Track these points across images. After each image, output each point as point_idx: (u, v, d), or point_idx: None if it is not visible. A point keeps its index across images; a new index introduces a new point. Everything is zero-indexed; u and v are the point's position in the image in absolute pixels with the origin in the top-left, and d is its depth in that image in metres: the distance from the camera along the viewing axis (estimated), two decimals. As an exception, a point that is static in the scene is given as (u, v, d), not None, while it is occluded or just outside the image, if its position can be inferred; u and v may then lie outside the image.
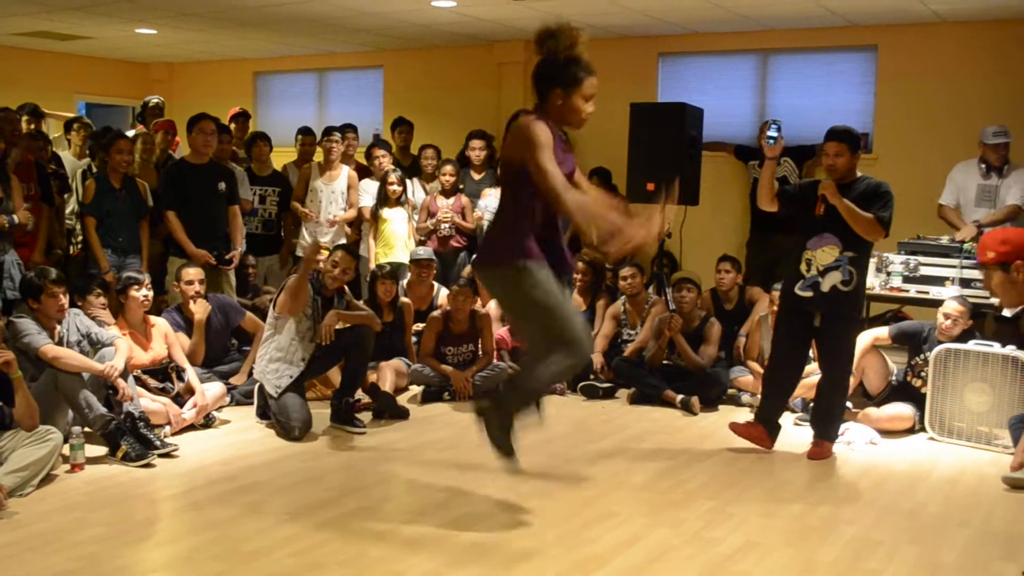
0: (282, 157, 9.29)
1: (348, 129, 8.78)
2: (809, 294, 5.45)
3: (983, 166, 7.14)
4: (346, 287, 6.33)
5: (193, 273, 6.48)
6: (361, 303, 6.55)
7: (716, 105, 8.78)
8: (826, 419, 5.61)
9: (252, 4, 8.43)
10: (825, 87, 8.98)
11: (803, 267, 5.47)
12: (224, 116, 8.52)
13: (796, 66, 9.15)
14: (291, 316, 5.90)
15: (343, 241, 7.97)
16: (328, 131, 8.17)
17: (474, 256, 4.18)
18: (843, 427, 5.80)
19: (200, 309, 6.41)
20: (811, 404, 6.22)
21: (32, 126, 8.25)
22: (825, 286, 5.39)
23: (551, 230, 4.13)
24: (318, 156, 8.56)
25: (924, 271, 6.61)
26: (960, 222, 7.12)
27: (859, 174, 5.49)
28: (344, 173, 8.16)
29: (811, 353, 5.98)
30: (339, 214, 8.12)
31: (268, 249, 8.37)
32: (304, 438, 5.76)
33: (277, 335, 5.94)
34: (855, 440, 5.79)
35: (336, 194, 8.04)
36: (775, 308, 6.43)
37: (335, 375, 6.39)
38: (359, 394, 6.43)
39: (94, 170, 7.81)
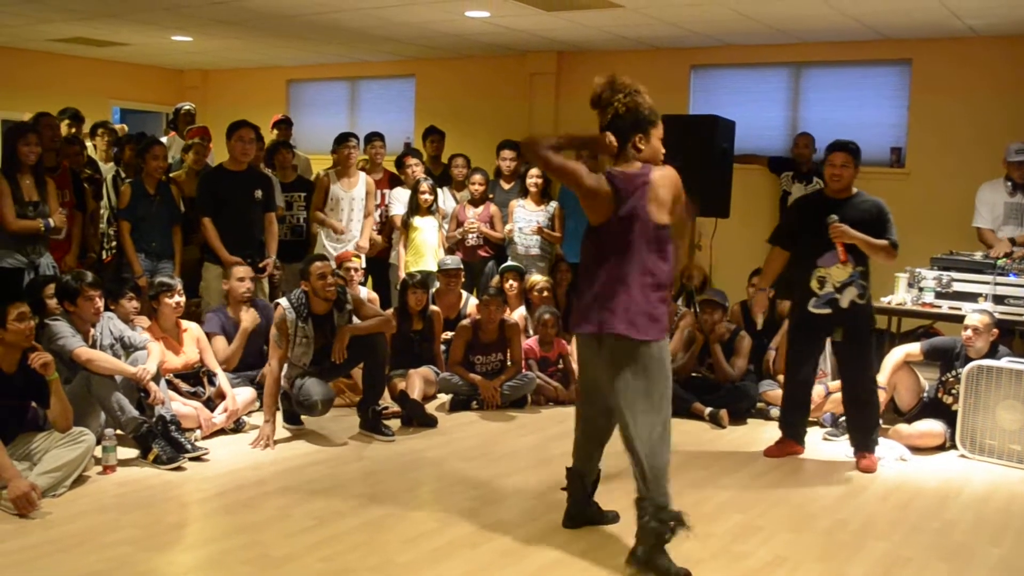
0: (314, 165, 9.35)
1: (376, 137, 8.78)
2: (827, 311, 5.47)
3: (1009, 184, 7.07)
4: (347, 290, 6.21)
5: (244, 271, 6.55)
6: (368, 300, 6.55)
7: (748, 118, 8.75)
8: (867, 430, 5.64)
9: (287, 13, 8.49)
10: (858, 101, 8.93)
11: (814, 285, 5.49)
12: (259, 123, 8.54)
13: (829, 79, 9.11)
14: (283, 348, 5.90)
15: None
16: (345, 137, 8.05)
17: (602, 326, 3.87)
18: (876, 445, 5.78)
19: (249, 319, 6.46)
20: (841, 418, 6.21)
21: (73, 130, 8.35)
22: (844, 302, 5.44)
23: None
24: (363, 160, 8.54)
25: (957, 287, 6.55)
26: (998, 242, 7.05)
27: (854, 189, 5.55)
28: (363, 179, 8.07)
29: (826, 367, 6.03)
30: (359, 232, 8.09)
31: (297, 255, 8.39)
32: (327, 411, 5.94)
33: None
34: (885, 456, 5.75)
35: (356, 200, 7.96)
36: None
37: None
38: (388, 402, 6.47)
39: (122, 175, 7.89)
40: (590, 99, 4.14)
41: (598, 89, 4.10)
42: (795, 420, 5.84)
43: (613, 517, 4.51)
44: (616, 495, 4.58)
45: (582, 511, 4.46)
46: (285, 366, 5.94)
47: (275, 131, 9.19)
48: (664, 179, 4.04)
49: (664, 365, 4.01)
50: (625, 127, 4.06)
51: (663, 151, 4.15)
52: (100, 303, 5.44)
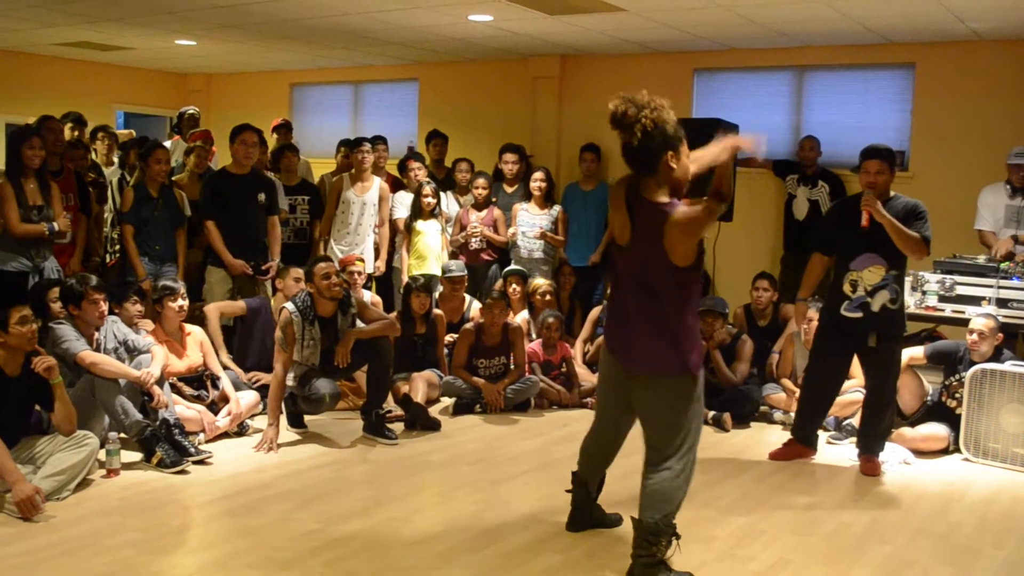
0: (317, 168, 9.37)
1: (379, 141, 8.81)
2: (859, 315, 5.44)
3: (1008, 187, 7.08)
4: (351, 293, 6.23)
5: (295, 272, 6.62)
6: (371, 303, 6.56)
7: (751, 121, 8.73)
8: (878, 434, 5.64)
9: (290, 17, 8.50)
10: (861, 104, 8.92)
11: (847, 288, 5.47)
12: (263, 126, 8.56)
13: (832, 83, 9.10)
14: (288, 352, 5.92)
15: (369, 253, 7.97)
16: (358, 141, 8.09)
17: (631, 361, 3.87)
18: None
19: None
20: (845, 422, 6.22)
21: (76, 133, 8.36)
22: (875, 306, 5.41)
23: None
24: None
25: (960, 290, 6.55)
26: (999, 242, 7.05)
27: (892, 193, 5.50)
28: (376, 185, 8.09)
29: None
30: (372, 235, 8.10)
31: (300, 258, 8.40)
32: (334, 406, 6.01)
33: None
34: (889, 460, 5.75)
35: (368, 205, 7.97)
36: (805, 328, 6.44)
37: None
38: (392, 406, 6.47)
39: (127, 178, 7.90)
40: (611, 119, 3.80)
41: (620, 107, 3.76)
42: (807, 424, 5.83)
43: (616, 520, 4.51)
44: (620, 498, 4.58)
45: (586, 515, 4.46)
46: (291, 368, 5.94)
47: (275, 135, 9.20)
48: (682, 218, 3.75)
49: (690, 401, 3.89)
50: (655, 146, 3.76)
51: (691, 168, 3.94)
52: (104, 307, 5.45)
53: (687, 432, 3.90)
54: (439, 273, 7.85)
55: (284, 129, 9.37)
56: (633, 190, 3.87)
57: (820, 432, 6.10)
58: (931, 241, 5.36)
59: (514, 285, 7.90)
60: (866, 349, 5.54)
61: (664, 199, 3.82)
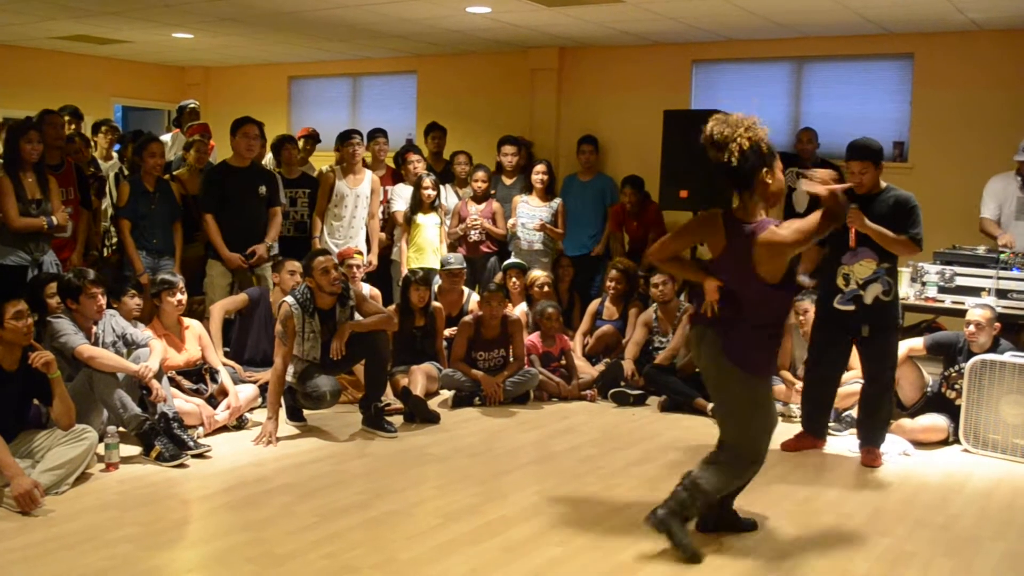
0: (315, 162, 9.34)
1: (378, 134, 8.77)
2: (851, 307, 5.47)
3: (1020, 179, 7.05)
4: (349, 286, 6.21)
5: (296, 266, 6.63)
6: (369, 297, 6.55)
7: (750, 112, 8.70)
8: (877, 425, 5.65)
9: (288, 9, 8.48)
10: (860, 95, 8.91)
11: (840, 282, 5.48)
12: (261, 119, 8.45)
13: (831, 74, 9.09)
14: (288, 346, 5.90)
15: (363, 246, 7.94)
16: (348, 134, 7.95)
17: (723, 346, 4.08)
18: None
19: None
20: (844, 413, 6.21)
21: (72, 127, 8.34)
22: (868, 298, 5.42)
23: None
24: (366, 157, 8.48)
25: (960, 281, 6.54)
26: (1000, 232, 7.03)
27: (883, 184, 5.52)
28: (368, 177, 8.01)
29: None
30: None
31: (300, 251, 8.37)
32: (335, 403, 6.01)
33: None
34: (889, 451, 5.75)
35: (361, 198, 7.90)
36: (801, 319, 6.46)
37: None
38: (391, 398, 6.47)
39: (125, 172, 7.88)
40: (706, 141, 3.99)
41: (714, 129, 3.98)
42: (814, 415, 5.87)
43: (750, 525, 4.44)
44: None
45: (718, 516, 4.39)
46: (291, 363, 5.94)
47: (301, 142, 8.94)
48: (770, 241, 3.95)
49: (748, 402, 4.12)
50: (752, 164, 3.96)
51: (784, 181, 4.14)
52: (103, 301, 5.44)
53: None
54: (438, 266, 7.83)
55: (312, 140, 9.15)
56: (727, 213, 4.09)
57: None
58: (922, 238, 5.37)
59: (513, 279, 7.90)
60: (862, 339, 5.56)
61: (760, 216, 4.04)
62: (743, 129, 3.93)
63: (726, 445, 4.19)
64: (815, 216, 3.93)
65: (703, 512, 4.28)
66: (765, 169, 3.98)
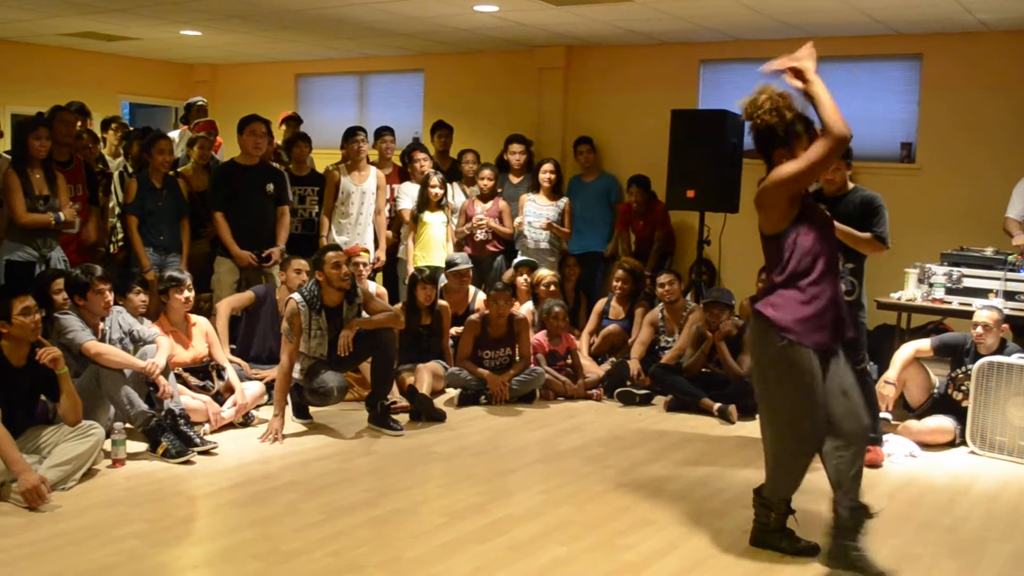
0: (322, 159, 9.34)
1: (385, 132, 8.76)
2: None
3: None
4: (356, 284, 6.20)
5: (303, 264, 6.65)
6: (376, 295, 6.55)
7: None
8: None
9: (295, 7, 8.48)
10: (868, 96, 8.89)
11: None
12: (269, 117, 8.53)
13: (839, 74, 9.07)
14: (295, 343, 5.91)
15: (371, 242, 7.94)
16: (354, 131, 7.96)
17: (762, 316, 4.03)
18: (883, 439, 5.76)
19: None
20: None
21: (80, 124, 8.34)
22: None
23: None
24: (373, 155, 8.51)
25: (967, 283, 6.53)
26: (1020, 233, 6.98)
27: (851, 185, 5.54)
28: (373, 173, 8.00)
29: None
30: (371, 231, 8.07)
31: (308, 249, 8.38)
32: (342, 399, 6.06)
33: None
34: (895, 452, 5.74)
35: (367, 194, 7.89)
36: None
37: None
38: (397, 397, 6.47)
39: (129, 169, 7.88)
40: (744, 112, 4.42)
41: (754, 97, 4.49)
42: None
43: (813, 548, 4.19)
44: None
45: (767, 537, 4.26)
46: (298, 359, 5.94)
47: (283, 127, 9.17)
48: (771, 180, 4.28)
49: (782, 375, 3.98)
50: (788, 122, 4.40)
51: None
52: (110, 297, 5.45)
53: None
54: (444, 265, 7.82)
55: (293, 121, 9.36)
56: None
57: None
58: (887, 237, 5.34)
59: (524, 276, 7.91)
60: None
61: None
62: (772, 92, 4.42)
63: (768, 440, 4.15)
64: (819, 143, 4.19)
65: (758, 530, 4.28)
66: (781, 149, 4.34)
